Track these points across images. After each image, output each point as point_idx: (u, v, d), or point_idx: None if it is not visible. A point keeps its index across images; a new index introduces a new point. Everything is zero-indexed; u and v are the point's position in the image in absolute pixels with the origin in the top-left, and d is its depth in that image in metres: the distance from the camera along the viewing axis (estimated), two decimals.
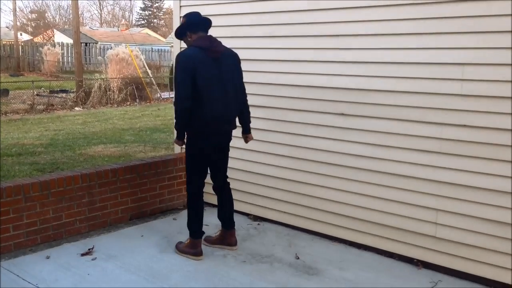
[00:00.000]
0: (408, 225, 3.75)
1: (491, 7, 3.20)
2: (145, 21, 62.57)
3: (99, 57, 27.87)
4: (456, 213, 3.51)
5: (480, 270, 3.46)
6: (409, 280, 3.53)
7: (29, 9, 58.52)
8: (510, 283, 3.32)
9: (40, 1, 60.44)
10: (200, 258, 3.79)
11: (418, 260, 3.74)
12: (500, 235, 3.34)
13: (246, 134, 4.00)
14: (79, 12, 19.56)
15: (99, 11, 69.31)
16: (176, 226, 4.51)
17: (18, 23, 36.94)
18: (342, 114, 3.98)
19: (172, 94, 14.45)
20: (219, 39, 3.78)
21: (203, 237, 3.92)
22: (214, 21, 4.73)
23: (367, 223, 3.97)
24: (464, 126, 3.40)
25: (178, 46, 5.10)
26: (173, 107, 3.74)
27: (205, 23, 3.77)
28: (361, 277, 3.56)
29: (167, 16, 60.15)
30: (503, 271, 3.35)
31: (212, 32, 4.94)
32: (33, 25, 53.79)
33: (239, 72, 3.78)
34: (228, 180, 4.00)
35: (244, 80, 3.87)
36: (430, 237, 3.65)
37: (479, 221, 3.42)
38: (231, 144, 3.91)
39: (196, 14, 3.81)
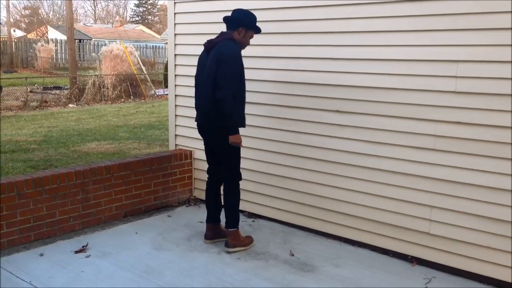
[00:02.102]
0: (403, 222, 3.75)
1: (487, 4, 3.20)
2: (140, 17, 62.32)
3: (93, 54, 27.66)
4: (450, 210, 3.52)
5: (475, 267, 3.47)
6: (404, 277, 3.54)
7: (23, 5, 58.18)
8: (505, 280, 3.33)
9: None
10: (205, 241, 4.06)
11: (413, 257, 3.75)
12: (494, 232, 3.35)
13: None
14: (73, 9, 19.44)
15: (93, 7, 69.13)
16: (171, 223, 4.50)
17: (11, 20, 36.72)
18: (337, 111, 3.98)
19: (166, 91, 14.40)
20: (211, 36, 3.79)
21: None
22: (207, 18, 4.73)
23: (362, 220, 3.98)
24: (458, 123, 3.41)
25: (172, 43, 5.09)
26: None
27: (225, 21, 3.84)
28: (356, 274, 3.56)
29: (161, 12, 59.95)
30: (497, 268, 3.37)
31: (203, 28, 4.93)
32: (27, 21, 53.52)
33: (215, 66, 3.59)
34: (232, 181, 3.90)
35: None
36: (424, 234, 3.66)
37: (473, 218, 3.43)
38: None
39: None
